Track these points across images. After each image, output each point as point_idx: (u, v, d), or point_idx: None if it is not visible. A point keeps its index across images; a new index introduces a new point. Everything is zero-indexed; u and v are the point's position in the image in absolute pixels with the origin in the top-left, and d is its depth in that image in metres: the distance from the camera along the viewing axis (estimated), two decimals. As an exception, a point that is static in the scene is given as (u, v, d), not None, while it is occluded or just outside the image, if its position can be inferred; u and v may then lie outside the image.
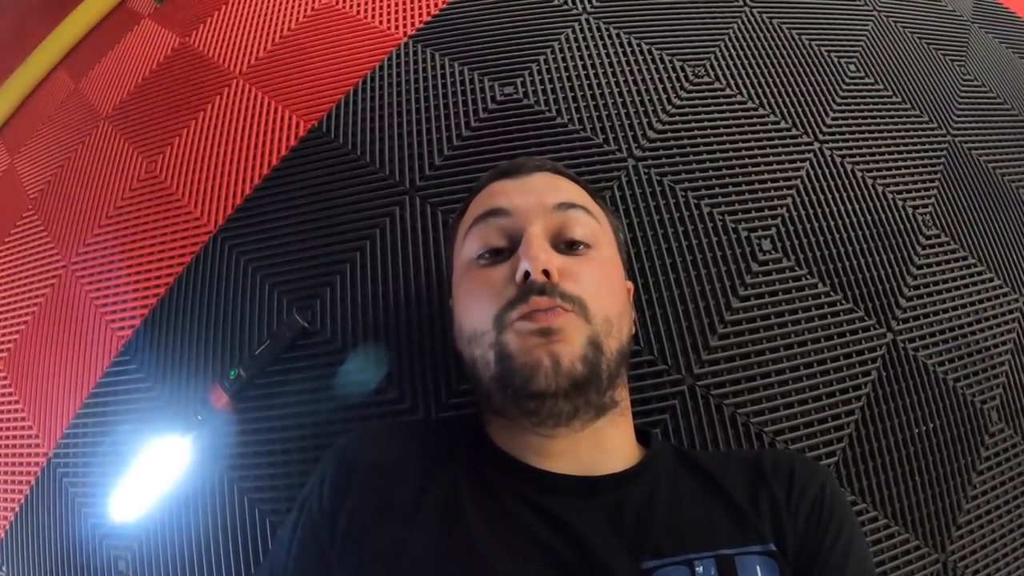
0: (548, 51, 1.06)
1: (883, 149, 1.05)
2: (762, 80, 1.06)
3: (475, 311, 0.63)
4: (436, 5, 1.12)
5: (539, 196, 0.67)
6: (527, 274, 0.59)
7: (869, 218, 0.98)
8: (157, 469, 0.90)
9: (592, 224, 0.67)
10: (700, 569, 0.53)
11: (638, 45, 1.07)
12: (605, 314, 0.61)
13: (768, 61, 1.09)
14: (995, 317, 0.97)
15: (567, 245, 0.65)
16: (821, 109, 1.05)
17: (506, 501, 0.59)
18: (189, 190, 1.04)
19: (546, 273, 0.59)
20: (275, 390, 0.89)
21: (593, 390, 0.58)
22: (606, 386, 0.60)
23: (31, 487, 0.98)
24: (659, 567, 0.54)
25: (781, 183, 0.97)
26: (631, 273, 0.89)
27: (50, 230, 1.14)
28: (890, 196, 1.00)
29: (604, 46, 1.06)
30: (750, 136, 1.00)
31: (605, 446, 0.64)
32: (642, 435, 0.71)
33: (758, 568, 0.54)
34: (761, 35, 1.12)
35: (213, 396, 0.88)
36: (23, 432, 1.01)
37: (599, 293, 0.62)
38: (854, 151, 1.03)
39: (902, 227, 0.99)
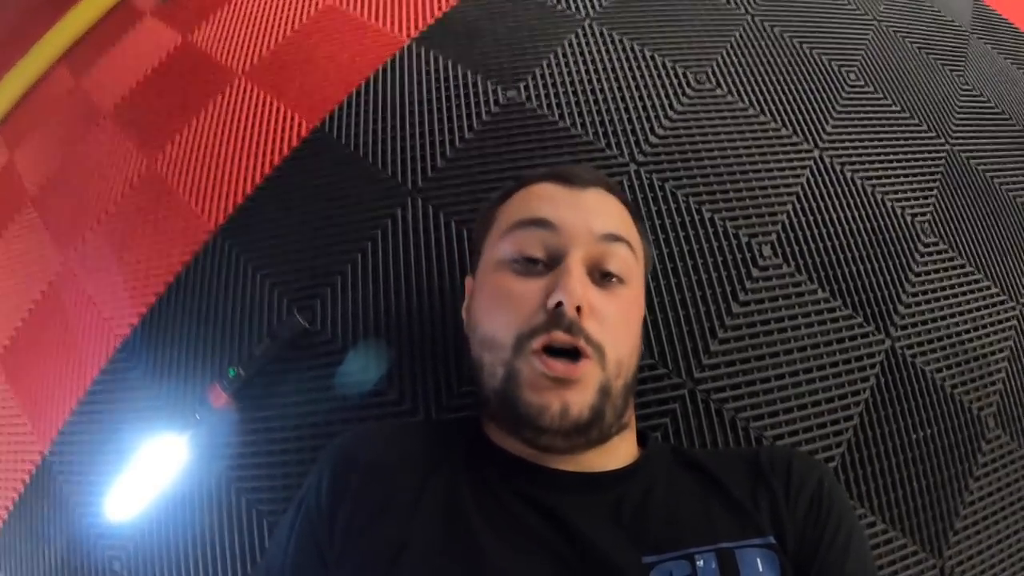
0: (551, 55, 1.06)
1: (883, 157, 1.05)
2: (763, 87, 1.07)
3: (496, 321, 0.63)
4: (440, 8, 1.13)
5: (589, 218, 0.65)
6: (559, 303, 0.58)
7: (868, 225, 0.98)
8: (154, 468, 0.90)
9: (630, 260, 0.66)
10: (701, 563, 0.53)
11: (641, 51, 1.07)
12: (618, 357, 0.61)
13: (769, 68, 1.09)
14: (992, 324, 0.98)
15: (601, 275, 0.64)
16: (821, 117, 1.06)
17: (506, 498, 0.59)
18: (190, 188, 1.04)
19: (578, 309, 0.59)
20: (274, 390, 0.88)
21: (595, 430, 0.59)
22: (610, 422, 0.60)
23: (26, 486, 0.97)
24: (660, 562, 0.54)
25: (781, 189, 0.98)
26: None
27: (49, 227, 1.14)
28: (889, 204, 1.01)
29: (607, 51, 1.07)
30: (751, 142, 1.01)
31: (609, 455, 0.64)
32: (639, 436, 0.71)
33: (759, 561, 0.54)
34: (763, 43, 1.12)
35: (212, 395, 0.88)
36: (18, 429, 1.00)
37: (618, 336, 0.62)
38: (854, 159, 1.03)
39: (901, 235, 0.99)
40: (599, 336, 0.59)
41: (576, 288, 0.59)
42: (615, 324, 0.61)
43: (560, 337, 0.58)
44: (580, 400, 0.57)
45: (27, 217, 1.18)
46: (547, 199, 0.67)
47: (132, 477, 0.91)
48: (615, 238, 0.65)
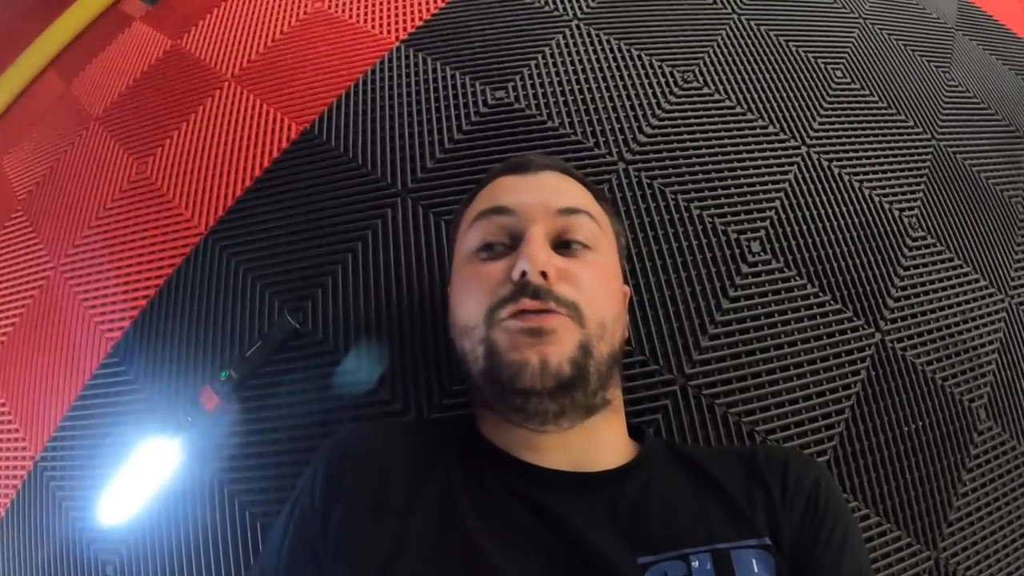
0: (539, 56, 1.07)
1: (870, 153, 1.06)
2: (750, 85, 1.08)
3: (468, 305, 0.63)
4: (428, 10, 1.13)
5: (545, 196, 0.67)
6: (524, 273, 0.59)
7: (856, 220, 0.99)
8: (146, 472, 0.89)
9: (594, 229, 0.67)
10: (696, 563, 0.53)
11: (628, 50, 1.08)
12: (599, 318, 0.61)
13: (756, 67, 1.10)
14: (981, 317, 0.98)
15: (567, 246, 0.65)
16: (808, 114, 1.07)
17: (500, 497, 0.59)
18: (180, 191, 1.04)
19: (544, 275, 0.59)
20: (266, 391, 0.88)
21: (580, 391, 0.59)
22: (595, 387, 0.60)
23: (18, 491, 0.97)
24: (655, 562, 0.54)
25: (769, 186, 0.98)
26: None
27: (39, 231, 1.13)
28: (877, 199, 1.02)
29: (594, 51, 1.07)
30: (739, 140, 1.02)
31: (596, 443, 0.64)
32: (635, 432, 0.71)
33: (754, 562, 0.54)
34: (749, 41, 1.13)
35: (203, 398, 0.88)
36: (10, 435, 1.00)
37: (595, 297, 0.62)
38: (841, 155, 1.04)
39: (889, 229, 1.00)
40: (573, 296, 0.60)
41: (538, 254, 0.60)
42: (591, 286, 0.62)
43: (528, 303, 0.58)
44: (559, 352, 0.57)
45: (16, 222, 1.18)
46: (505, 188, 0.70)
47: (125, 481, 0.90)
48: (574, 210, 0.66)
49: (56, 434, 0.96)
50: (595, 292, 0.62)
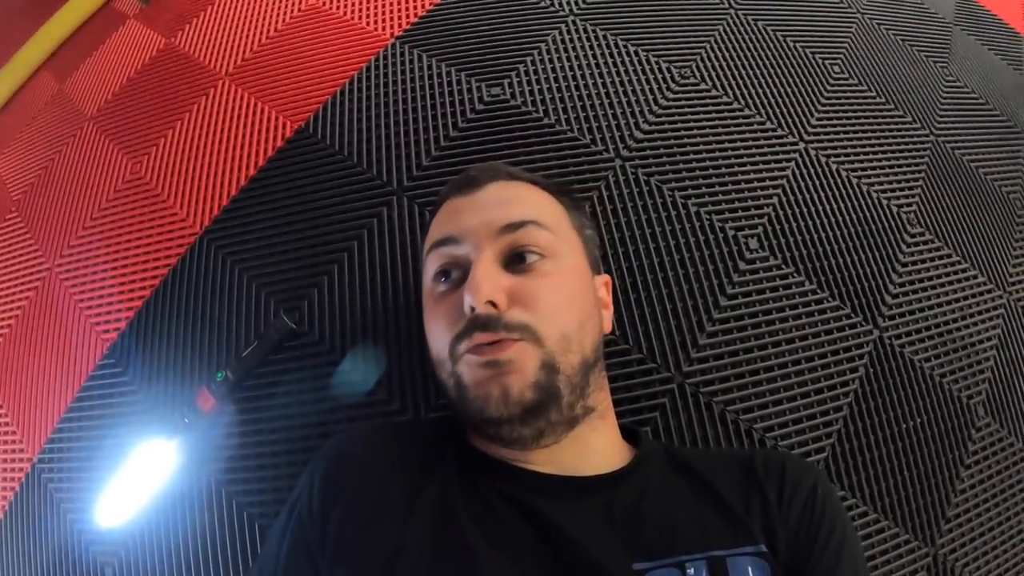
0: (535, 52, 1.06)
1: (867, 149, 1.06)
2: (748, 81, 1.07)
3: (434, 339, 0.64)
4: (423, 6, 1.12)
5: (487, 215, 0.66)
6: (473, 308, 0.59)
7: (854, 216, 0.99)
8: (144, 473, 0.89)
9: (545, 237, 0.66)
10: (691, 571, 0.53)
11: (624, 47, 1.07)
12: (560, 332, 0.60)
13: (753, 63, 1.10)
14: (979, 313, 0.98)
15: (522, 259, 0.64)
16: (806, 110, 1.06)
17: (497, 504, 0.58)
18: (175, 191, 1.04)
19: (494, 304, 0.59)
20: (263, 392, 0.88)
21: (553, 410, 0.59)
22: (570, 401, 0.60)
23: (15, 493, 0.97)
24: (651, 569, 0.54)
25: (767, 183, 0.98)
26: (609, 265, 0.90)
27: (33, 232, 1.13)
28: (875, 195, 1.01)
29: (591, 47, 1.07)
30: (736, 136, 1.01)
31: (586, 450, 0.64)
32: (631, 434, 0.71)
33: (749, 569, 0.54)
34: (746, 37, 1.13)
35: (200, 399, 0.87)
36: (7, 437, 1.00)
37: (552, 311, 0.61)
38: (839, 151, 1.04)
39: (887, 225, 1.00)
40: (524, 318, 0.59)
41: (480, 286, 0.59)
42: (546, 299, 0.61)
43: (480, 337, 0.58)
44: (519, 380, 0.57)
45: (11, 223, 1.18)
46: (452, 213, 0.69)
47: (122, 482, 0.90)
48: (519, 224, 0.65)
49: (53, 436, 0.96)
50: (552, 305, 0.61)
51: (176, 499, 0.87)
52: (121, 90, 1.21)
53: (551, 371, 0.58)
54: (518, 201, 0.69)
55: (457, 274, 0.65)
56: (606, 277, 0.75)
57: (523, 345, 0.58)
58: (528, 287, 0.61)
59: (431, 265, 0.67)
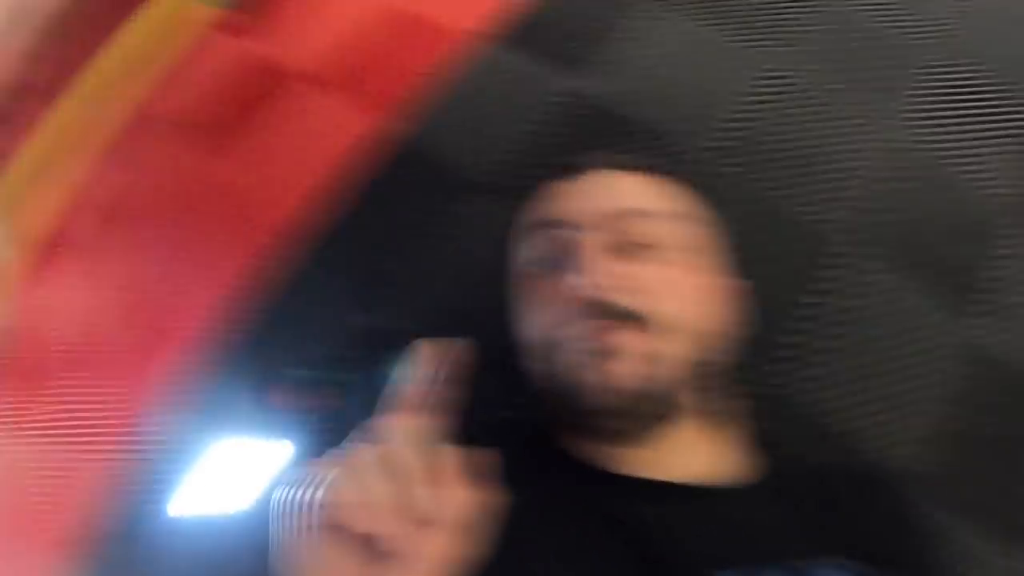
0: (620, 40, 1.04)
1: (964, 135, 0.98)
2: (835, 67, 1.03)
3: (528, 324, 0.64)
4: None
5: (595, 202, 0.65)
6: (581, 292, 0.58)
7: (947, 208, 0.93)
8: (218, 473, 0.89)
9: (658, 226, 0.64)
10: None
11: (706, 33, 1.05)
12: (672, 322, 0.59)
13: (842, 48, 1.04)
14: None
15: (626, 248, 0.62)
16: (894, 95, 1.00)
17: (575, 510, 0.56)
18: (255, 193, 1.05)
19: (599, 288, 0.58)
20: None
21: (661, 404, 0.58)
22: (673, 396, 0.59)
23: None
24: None
25: (851, 173, 0.94)
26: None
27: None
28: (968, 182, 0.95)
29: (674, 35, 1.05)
30: (820, 125, 0.97)
31: (685, 455, 0.62)
32: (737, 442, 0.68)
33: None
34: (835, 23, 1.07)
35: (279, 395, 0.87)
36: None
37: (664, 299, 0.60)
38: (932, 137, 0.97)
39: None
40: (635, 304, 0.58)
41: (590, 270, 0.58)
42: (657, 288, 0.60)
43: (588, 324, 0.57)
44: (621, 370, 0.56)
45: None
46: (554, 198, 0.68)
47: (195, 482, 0.89)
48: (630, 211, 0.64)
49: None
50: (663, 294, 0.60)
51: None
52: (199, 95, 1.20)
53: (658, 363, 0.57)
54: (628, 191, 0.68)
55: (562, 258, 0.63)
56: (730, 280, 0.72)
57: (630, 333, 0.57)
58: (639, 275, 0.60)
59: (528, 248, 0.67)
